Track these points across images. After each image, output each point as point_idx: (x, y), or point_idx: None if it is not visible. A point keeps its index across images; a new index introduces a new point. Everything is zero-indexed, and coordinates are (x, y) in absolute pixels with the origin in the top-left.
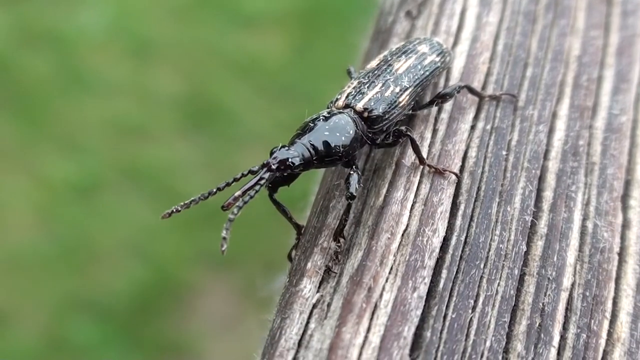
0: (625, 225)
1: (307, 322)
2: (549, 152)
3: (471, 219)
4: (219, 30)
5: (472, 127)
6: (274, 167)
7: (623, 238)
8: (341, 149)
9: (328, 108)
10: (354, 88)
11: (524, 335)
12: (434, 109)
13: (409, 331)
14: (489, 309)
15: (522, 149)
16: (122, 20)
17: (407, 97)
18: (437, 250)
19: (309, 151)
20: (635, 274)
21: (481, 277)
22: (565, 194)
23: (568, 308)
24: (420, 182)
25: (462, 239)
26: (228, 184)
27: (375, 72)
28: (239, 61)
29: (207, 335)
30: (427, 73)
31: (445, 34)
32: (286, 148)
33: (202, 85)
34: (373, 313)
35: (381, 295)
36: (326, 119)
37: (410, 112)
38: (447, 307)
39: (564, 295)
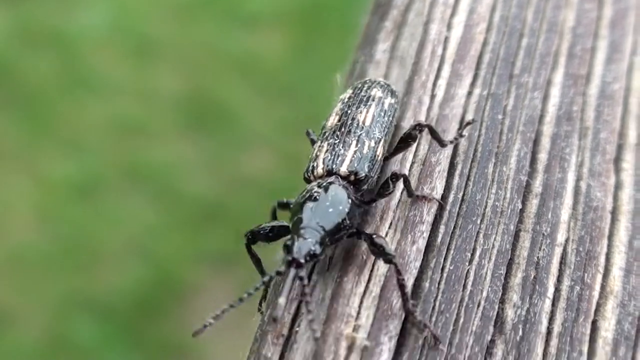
0: (618, 186)
1: (310, 274)
2: (543, 117)
3: (468, 178)
4: (220, 30)
5: (469, 93)
6: (302, 261)
7: (615, 198)
8: (347, 222)
9: (305, 179)
10: (327, 152)
11: (520, 287)
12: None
13: (407, 281)
14: (486, 262)
15: (518, 114)
16: (123, 20)
17: (382, 148)
18: (435, 207)
19: (321, 233)
20: (628, 231)
21: (478, 232)
22: (559, 156)
23: (562, 262)
24: (418, 144)
25: (460, 196)
26: (257, 288)
27: (342, 129)
28: (240, 60)
29: (208, 334)
30: (391, 118)
31: (444, 6)
32: (302, 239)
33: (203, 84)
34: (373, 265)
35: None
36: (322, 195)
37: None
38: (445, 259)
39: (558, 250)
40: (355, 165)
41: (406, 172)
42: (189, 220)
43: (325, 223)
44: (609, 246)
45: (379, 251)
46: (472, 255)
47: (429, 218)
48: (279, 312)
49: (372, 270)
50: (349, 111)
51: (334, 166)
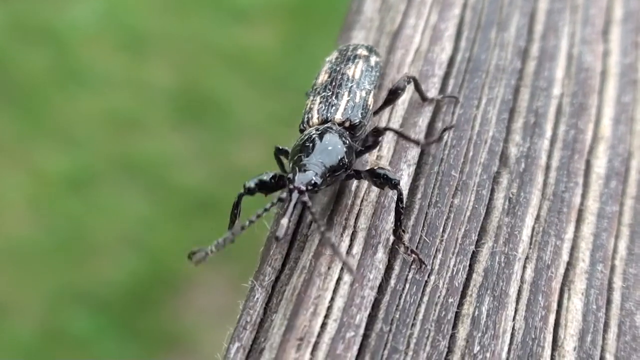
0: (606, 53)
1: None
2: None
3: (473, 42)
4: (211, 24)
5: None
6: (303, 188)
7: (604, 63)
8: (346, 160)
9: (301, 130)
10: (321, 103)
11: (521, 129)
12: None
13: (423, 122)
14: (490, 108)
15: None
16: (115, 14)
17: (372, 98)
18: (445, 64)
19: (322, 168)
20: (615, 89)
21: (483, 85)
22: (553, 27)
23: (558, 111)
24: (429, 13)
25: (466, 56)
26: (259, 216)
27: (333, 83)
28: (232, 54)
29: (202, 326)
30: (378, 73)
31: None
32: (304, 171)
33: (195, 78)
34: (393, 108)
35: None
36: (320, 137)
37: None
38: (455, 105)
39: (554, 101)
40: (349, 112)
41: (420, 31)
42: (182, 212)
43: (326, 159)
44: (599, 100)
45: (383, 181)
46: (479, 102)
47: (440, 72)
48: (281, 231)
49: (390, 114)
50: (337, 68)
51: (328, 115)
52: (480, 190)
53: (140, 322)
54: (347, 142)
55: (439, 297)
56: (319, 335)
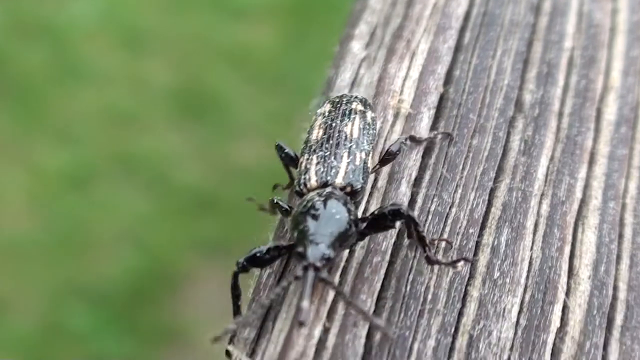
0: (614, 10)
1: (358, 69)
2: None
3: None
4: (210, 21)
5: None
6: (318, 264)
7: (613, 20)
8: (353, 228)
9: (298, 192)
10: (319, 164)
11: (535, 78)
12: None
13: (441, 69)
14: (506, 59)
15: None
16: (113, 11)
17: (371, 160)
18: (462, 17)
19: (331, 239)
20: (624, 44)
21: (498, 37)
22: None
23: (569, 63)
24: None
25: (482, 11)
26: (284, 287)
27: (330, 141)
28: (231, 51)
29: (201, 322)
30: (375, 130)
31: None
32: (315, 244)
33: (194, 75)
34: (412, 57)
35: (418, 44)
36: (324, 203)
37: None
38: (472, 56)
39: (565, 54)
40: (351, 177)
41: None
42: (181, 209)
43: (334, 229)
44: (609, 54)
45: (393, 218)
46: (494, 53)
47: (456, 25)
48: (306, 316)
49: (411, 61)
50: (333, 124)
51: (328, 178)
52: (497, 132)
53: (140, 318)
54: (352, 208)
55: (459, 227)
56: (347, 260)
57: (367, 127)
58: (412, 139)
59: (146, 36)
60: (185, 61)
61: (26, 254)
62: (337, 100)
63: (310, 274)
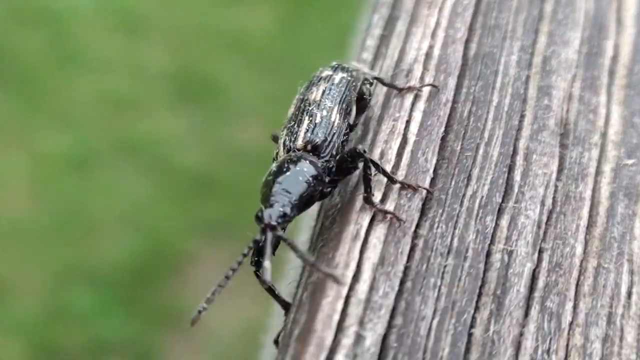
0: None
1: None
2: None
3: None
4: (208, 4)
5: None
6: (274, 223)
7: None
8: (313, 182)
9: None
10: (287, 135)
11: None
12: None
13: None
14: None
15: None
16: None
17: (337, 114)
18: None
19: (288, 196)
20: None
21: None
22: None
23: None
24: None
25: None
26: (244, 255)
27: (296, 112)
28: (229, 35)
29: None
30: (343, 88)
31: None
32: (270, 207)
33: (192, 59)
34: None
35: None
36: (279, 167)
37: (349, 130)
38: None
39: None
40: (309, 135)
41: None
42: (182, 192)
43: (289, 187)
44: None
45: (353, 159)
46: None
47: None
48: (267, 275)
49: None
50: (302, 97)
51: (291, 144)
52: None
53: (143, 299)
54: (308, 161)
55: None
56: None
57: (332, 88)
58: (379, 79)
59: (144, 21)
60: (184, 45)
61: (28, 237)
62: (314, 73)
63: (268, 234)
